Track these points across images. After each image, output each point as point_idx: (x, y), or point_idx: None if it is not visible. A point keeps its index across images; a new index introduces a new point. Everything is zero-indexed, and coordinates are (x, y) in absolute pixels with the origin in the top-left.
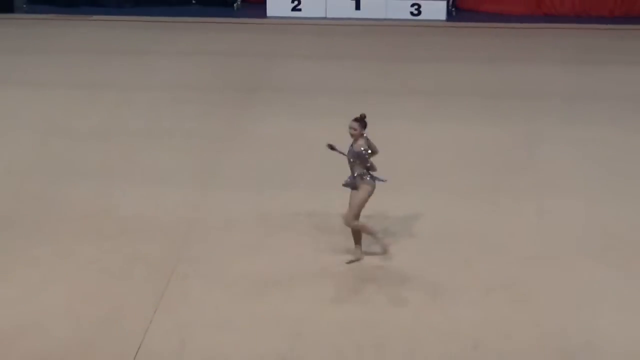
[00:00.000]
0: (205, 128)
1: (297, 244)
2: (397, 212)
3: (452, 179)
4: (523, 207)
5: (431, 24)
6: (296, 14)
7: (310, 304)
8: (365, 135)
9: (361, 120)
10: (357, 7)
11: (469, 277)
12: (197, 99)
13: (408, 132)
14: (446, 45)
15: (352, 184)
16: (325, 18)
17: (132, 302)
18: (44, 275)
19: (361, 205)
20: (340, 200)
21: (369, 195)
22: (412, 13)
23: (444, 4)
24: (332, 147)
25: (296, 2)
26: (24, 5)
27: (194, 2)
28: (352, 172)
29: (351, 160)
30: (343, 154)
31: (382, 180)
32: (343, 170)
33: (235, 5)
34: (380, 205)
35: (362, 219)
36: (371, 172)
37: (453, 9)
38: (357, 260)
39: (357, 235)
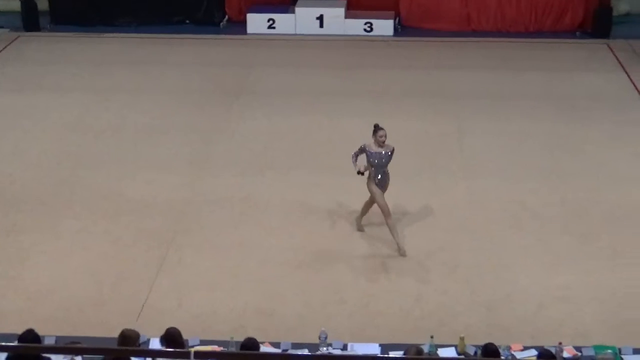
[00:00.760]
0: (198, 124)
1: (274, 218)
2: (351, 192)
3: (397, 164)
4: (455, 187)
5: (381, 39)
6: (271, 31)
7: (285, 268)
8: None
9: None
10: (321, 25)
11: (412, 245)
12: (191, 100)
13: (361, 126)
14: (393, 56)
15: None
16: (295, 34)
17: (138, 267)
18: (68, 245)
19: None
20: (301, 183)
21: None
22: (365, 30)
23: (392, 22)
24: (360, 172)
25: (271, 22)
26: (48, 25)
27: (187, 22)
28: (379, 173)
29: (384, 161)
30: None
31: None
32: (308, 157)
33: (221, 24)
34: (340, 188)
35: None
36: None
37: (399, 26)
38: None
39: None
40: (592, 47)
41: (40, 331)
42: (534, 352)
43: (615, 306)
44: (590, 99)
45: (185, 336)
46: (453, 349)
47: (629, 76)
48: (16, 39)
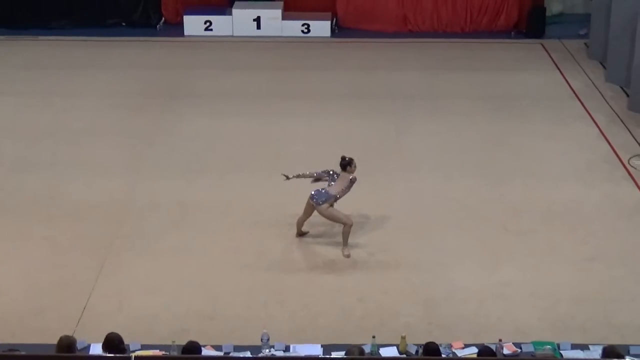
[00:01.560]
0: (136, 127)
1: (214, 221)
2: (291, 194)
3: (335, 166)
4: (394, 186)
5: (318, 40)
6: (208, 32)
7: (226, 270)
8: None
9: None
10: (258, 27)
11: (352, 245)
12: (128, 103)
13: (298, 128)
14: (330, 57)
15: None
16: (232, 36)
17: (77, 272)
18: (5, 251)
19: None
20: (241, 185)
21: None
22: (302, 31)
23: (329, 23)
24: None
25: (208, 23)
26: None
27: (123, 24)
28: (332, 193)
29: (344, 188)
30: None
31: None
32: (247, 159)
33: (157, 26)
34: (280, 189)
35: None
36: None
37: (336, 28)
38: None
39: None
40: (527, 46)
41: None
42: (474, 350)
43: (553, 302)
44: (525, 98)
45: (126, 341)
46: (395, 348)
47: (563, 75)
48: None
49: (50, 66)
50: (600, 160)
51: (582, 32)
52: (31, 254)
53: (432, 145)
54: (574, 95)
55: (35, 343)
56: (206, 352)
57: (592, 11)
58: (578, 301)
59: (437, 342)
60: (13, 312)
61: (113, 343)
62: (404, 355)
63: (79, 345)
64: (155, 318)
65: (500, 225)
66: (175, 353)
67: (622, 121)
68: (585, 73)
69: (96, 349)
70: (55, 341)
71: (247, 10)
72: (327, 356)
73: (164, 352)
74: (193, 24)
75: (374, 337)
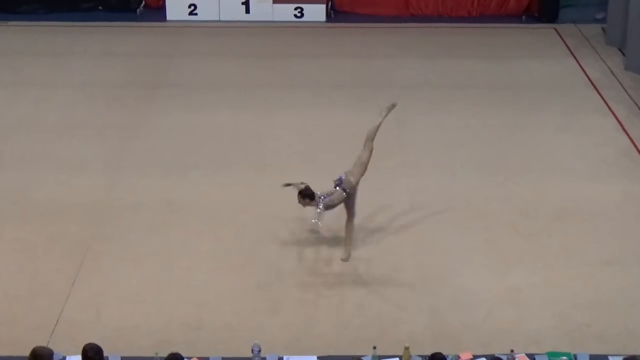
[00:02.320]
0: (115, 121)
1: (200, 222)
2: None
3: (332, 161)
4: (394, 185)
5: (312, 25)
6: (192, 17)
7: (213, 275)
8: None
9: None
10: (247, 10)
11: (353, 249)
12: (106, 94)
13: (291, 121)
14: (326, 44)
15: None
16: (218, 21)
17: (51, 278)
18: None
19: None
20: (229, 183)
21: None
22: (295, 15)
23: (324, 7)
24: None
25: (192, 7)
26: None
27: (100, 8)
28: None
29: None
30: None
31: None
32: (236, 155)
33: (137, 10)
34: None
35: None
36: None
37: (331, 11)
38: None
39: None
40: (539, 32)
41: None
42: None
43: (569, 309)
44: (537, 88)
45: (105, 353)
46: (397, 359)
47: (578, 63)
48: None
49: (20, 54)
50: (619, 155)
51: (599, 16)
52: (1, 259)
53: (435, 139)
54: (590, 84)
55: (5, 355)
56: None
57: None
58: (595, 308)
59: (444, 352)
60: None
61: (92, 354)
62: None
63: (53, 358)
64: (137, 328)
65: (510, 226)
66: None
67: None
68: (603, 60)
69: None
70: (27, 353)
71: None
72: None
73: None
74: (176, 7)
75: (374, 347)
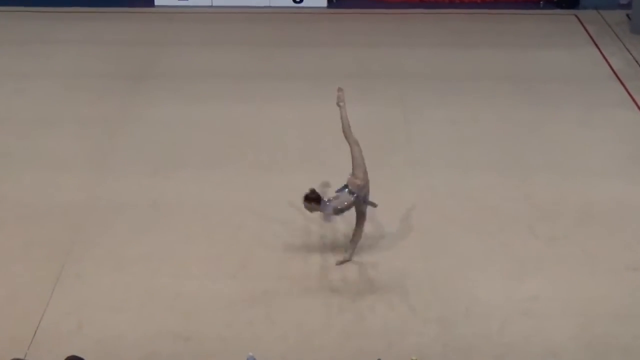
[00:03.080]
0: (98, 114)
1: (190, 224)
2: (280, 192)
3: (335, 157)
4: (402, 183)
5: (312, 11)
6: (183, 2)
7: (204, 282)
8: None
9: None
10: None
11: (356, 253)
12: (88, 86)
13: (291, 114)
14: (327, 31)
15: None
16: (211, 6)
17: (29, 285)
18: None
19: None
20: (222, 182)
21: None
22: (294, 0)
23: None
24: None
25: None
26: None
27: None
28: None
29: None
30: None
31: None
32: (229, 152)
33: None
34: (268, 187)
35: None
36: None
37: None
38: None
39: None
40: (559, 18)
41: None
42: None
43: (590, 319)
44: (556, 79)
45: None
46: None
47: (600, 52)
48: None
49: None
50: None
51: (623, 1)
52: None
53: (446, 135)
54: (613, 75)
55: None
56: None
57: None
58: (619, 318)
59: None
60: None
61: None
62: None
63: None
64: (121, 339)
65: (527, 229)
66: None
67: None
68: (627, 49)
69: None
70: None
71: None
72: None
73: None
74: None
75: None
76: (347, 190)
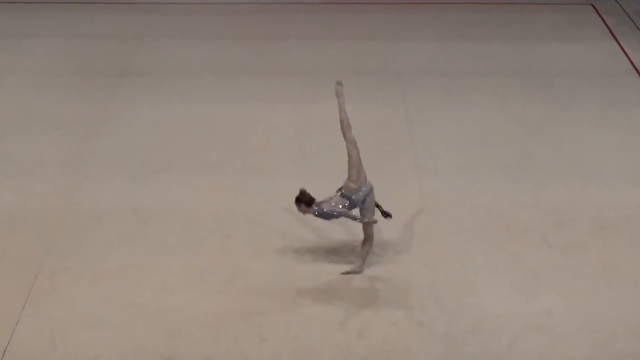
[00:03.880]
0: (74, 114)
1: (174, 233)
2: (270, 201)
3: (331, 161)
4: (404, 189)
5: (305, 1)
6: None
7: (188, 296)
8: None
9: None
10: None
11: (352, 262)
12: (63, 84)
13: (284, 114)
14: (323, 24)
15: None
16: None
17: None
18: None
19: None
20: (209, 188)
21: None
22: None
23: None
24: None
25: None
26: None
27: None
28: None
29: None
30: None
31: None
32: (217, 154)
33: None
34: (259, 193)
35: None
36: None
37: None
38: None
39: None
40: (574, 8)
41: None
42: None
43: (608, 336)
44: (571, 75)
45: None
46: None
47: (619, 45)
48: None
49: None
50: None
51: None
52: None
53: (451, 136)
54: (633, 70)
55: None
56: None
57: None
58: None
59: None
60: None
61: None
62: None
63: None
64: (98, 359)
65: (540, 238)
66: None
67: None
68: None
69: None
70: None
71: None
72: None
73: None
74: None
75: None
76: (339, 194)
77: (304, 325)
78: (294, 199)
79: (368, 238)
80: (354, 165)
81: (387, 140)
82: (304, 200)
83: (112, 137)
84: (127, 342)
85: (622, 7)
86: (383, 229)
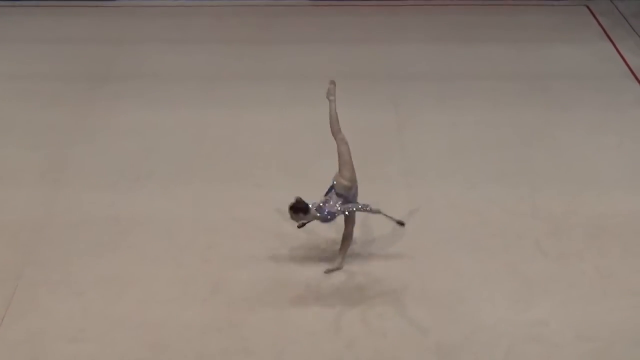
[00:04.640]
0: (52, 121)
1: (157, 243)
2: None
3: (318, 168)
4: (395, 195)
5: (293, 3)
6: None
7: (172, 307)
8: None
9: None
10: None
11: (342, 271)
12: (42, 90)
13: (270, 120)
14: (309, 26)
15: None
16: None
17: None
18: None
19: None
20: (193, 196)
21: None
22: None
23: None
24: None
25: None
26: None
27: None
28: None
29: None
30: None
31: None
32: (202, 162)
33: None
34: (245, 201)
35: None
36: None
37: None
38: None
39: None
40: (569, 10)
41: None
42: None
43: (605, 346)
44: (566, 78)
45: None
46: None
47: (615, 47)
48: None
49: None
50: None
51: None
52: None
53: (444, 141)
54: (630, 73)
55: None
56: None
57: None
58: (638, 344)
59: None
60: None
61: None
62: None
63: None
64: None
65: (535, 246)
66: None
67: None
68: None
69: None
70: None
71: None
72: None
73: None
74: None
75: None
76: (334, 192)
77: (291, 337)
78: (290, 208)
79: (347, 236)
80: (346, 162)
81: (378, 146)
82: (301, 208)
83: (91, 144)
84: (110, 355)
85: (617, 8)
86: (374, 238)
